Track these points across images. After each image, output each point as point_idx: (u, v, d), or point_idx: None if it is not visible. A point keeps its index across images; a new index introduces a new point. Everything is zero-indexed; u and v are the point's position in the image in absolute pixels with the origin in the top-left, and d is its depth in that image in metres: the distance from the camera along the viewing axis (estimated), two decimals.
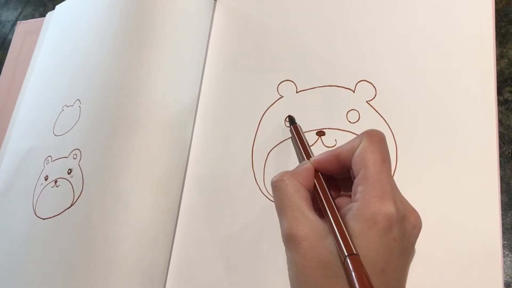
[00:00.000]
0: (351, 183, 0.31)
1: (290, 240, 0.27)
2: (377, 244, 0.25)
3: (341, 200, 0.31)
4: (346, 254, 0.24)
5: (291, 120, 0.38)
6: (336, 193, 0.32)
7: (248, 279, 0.35)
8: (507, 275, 0.34)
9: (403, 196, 0.28)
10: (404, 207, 0.27)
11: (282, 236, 0.28)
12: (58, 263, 0.35)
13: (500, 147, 0.37)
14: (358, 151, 0.28)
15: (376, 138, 0.28)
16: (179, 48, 0.41)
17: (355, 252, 0.24)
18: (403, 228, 0.26)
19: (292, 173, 0.30)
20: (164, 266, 0.37)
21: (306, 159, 0.33)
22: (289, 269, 0.28)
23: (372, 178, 0.26)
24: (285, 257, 0.34)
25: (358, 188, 0.27)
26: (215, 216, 0.38)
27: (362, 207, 0.26)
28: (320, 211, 0.29)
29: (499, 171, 0.33)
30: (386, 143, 0.28)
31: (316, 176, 0.30)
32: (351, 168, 0.29)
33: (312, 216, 0.28)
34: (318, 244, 0.26)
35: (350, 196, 0.31)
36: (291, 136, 0.38)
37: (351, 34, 0.40)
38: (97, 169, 0.37)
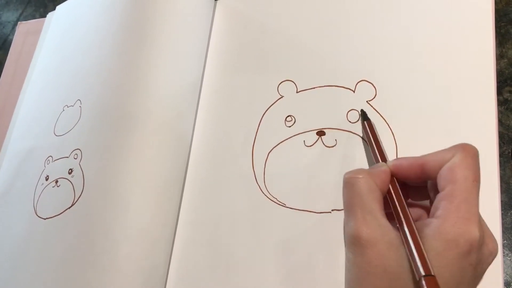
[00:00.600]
0: (424, 192, 0.29)
1: (355, 242, 0.25)
2: (454, 266, 0.23)
3: (411, 209, 0.29)
4: (423, 274, 0.23)
5: (364, 115, 0.36)
6: (405, 200, 0.29)
7: (248, 281, 0.35)
8: (507, 274, 0.34)
9: (483, 219, 0.26)
10: (484, 231, 0.25)
11: (346, 236, 0.26)
12: (58, 263, 0.35)
13: (500, 147, 0.37)
14: (449, 164, 0.26)
15: (470, 154, 0.26)
16: (179, 48, 0.41)
17: (432, 273, 0.23)
18: (481, 254, 0.25)
19: (369, 172, 0.28)
20: (164, 267, 0.37)
21: (381, 160, 0.31)
22: (348, 271, 0.27)
23: (461, 197, 0.25)
24: (287, 256, 0.34)
25: (442, 203, 0.25)
26: (215, 217, 0.38)
27: (444, 225, 0.24)
28: (389, 217, 0.27)
29: (499, 171, 0.33)
30: (479, 160, 0.27)
31: (392, 181, 0.29)
32: (434, 180, 0.27)
33: (383, 221, 0.26)
34: (387, 252, 0.25)
35: (420, 207, 0.30)
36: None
37: (351, 34, 0.40)
38: (97, 169, 0.37)
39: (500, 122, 0.38)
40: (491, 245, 0.26)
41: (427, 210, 0.28)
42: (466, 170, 0.25)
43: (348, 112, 0.37)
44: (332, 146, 0.37)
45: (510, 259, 0.34)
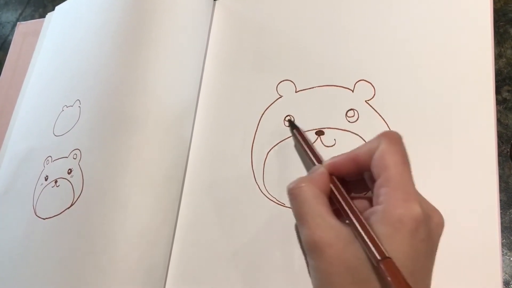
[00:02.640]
0: (363, 185, 0.31)
1: (313, 247, 0.26)
2: (405, 246, 0.24)
3: (356, 202, 0.30)
4: (379, 258, 0.24)
5: (292, 124, 0.37)
6: (348, 195, 0.31)
7: (248, 279, 0.35)
8: (506, 273, 0.34)
9: (423, 196, 0.28)
10: (427, 206, 0.27)
11: (303, 244, 0.27)
12: (58, 263, 0.35)
13: (499, 146, 0.37)
14: (377, 153, 0.27)
15: (394, 140, 0.28)
16: (178, 48, 0.41)
17: (387, 256, 0.24)
18: (428, 228, 0.26)
19: (309, 179, 0.29)
20: (164, 266, 0.37)
21: (317, 163, 0.32)
22: (313, 277, 0.27)
23: (395, 180, 0.26)
24: (286, 256, 0.35)
25: (381, 190, 0.26)
26: (214, 217, 0.38)
27: (387, 209, 0.25)
28: (338, 214, 0.28)
29: (497, 170, 0.33)
30: (404, 144, 0.28)
31: (331, 180, 0.30)
32: (369, 170, 0.28)
33: (334, 221, 0.27)
34: (344, 250, 0.26)
35: (363, 198, 0.31)
36: (292, 136, 0.38)
37: (350, 34, 0.40)
38: (97, 169, 0.37)
39: (499, 122, 0.38)
40: (436, 217, 0.27)
41: (371, 200, 0.29)
42: (394, 155, 0.27)
43: (347, 111, 0.38)
44: (331, 146, 0.37)
45: (509, 258, 0.34)
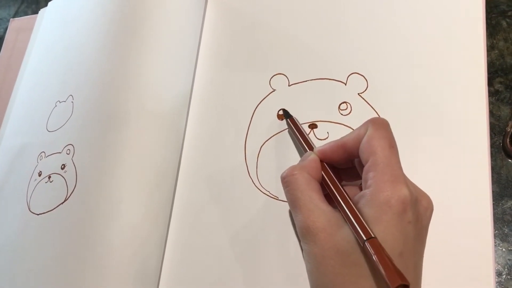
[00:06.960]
0: (354, 173, 0.31)
1: (306, 232, 0.27)
2: (393, 228, 0.25)
3: (347, 190, 0.31)
4: (365, 239, 0.24)
5: (286, 113, 0.38)
6: (340, 183, 0.31)
7: (243, 275, 0.35)
8: (498, 264, 0.34)
9: (411, 181, 0.28)
10: (415, 190, 0.27)
11: (297, 230, 0.28)
12: (52, 258, 0.35)
13: (491, 137, 0.37)
14: (365, 138, 0.28)
15: (381, 125, 0.28)
16: (171, 42, 0.41)
17: (373, 236, 0.24)
18: (417, 211, 0.26)
19: (301, 166, 0.30)
20: (158, 261, 0.37)
21: (308, 150, 0.33)
22: (307, 262, 0.28)
23: (382, 164, 0.27)
24: (281, 250, 0.35)
25: (369, 174, 0.27)
26: (208, 211, 0.38)
27: (375, 192, 0.26)
28: (329, 200, 0.29)
29: (490, 161, 0.33)
30: (391, 129, 0.29)
31: (322, 166, 0.31)
32: (358, 157, 0.29)
33: (325, 207, 0.28)
34: (335, 234, 0.26)
35: (354, 186, 0.32)
36: (287, 128, 0.38)
37: (343, 27, 0.40)
38: (90, 164, 0.37)
39: (491, 113, 0.38)
40: (425, 201, 0.28)
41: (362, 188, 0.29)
42: (381, 139, 0.27)
43: (340, 104, 0.38)
44: (324, 139, 0.37)
45: (502, 249, 0.35)
